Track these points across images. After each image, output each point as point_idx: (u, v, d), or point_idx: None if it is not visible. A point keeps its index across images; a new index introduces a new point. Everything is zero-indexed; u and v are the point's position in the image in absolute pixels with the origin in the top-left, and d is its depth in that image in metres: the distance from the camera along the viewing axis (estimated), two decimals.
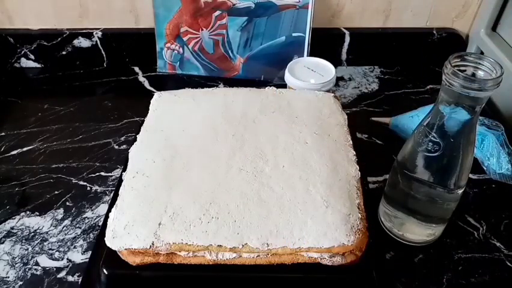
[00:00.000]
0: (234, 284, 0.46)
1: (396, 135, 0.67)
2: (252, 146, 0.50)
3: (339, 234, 0.42)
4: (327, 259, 0.43)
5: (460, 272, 0.51)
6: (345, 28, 0.84)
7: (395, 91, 0.81)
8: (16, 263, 0.52)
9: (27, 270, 0.51)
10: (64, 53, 0.84)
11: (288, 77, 0.65)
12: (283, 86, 0.67)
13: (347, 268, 0.44)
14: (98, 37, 0.83)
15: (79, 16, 0.82)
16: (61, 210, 0.58)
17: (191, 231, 0.42)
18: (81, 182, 0.62)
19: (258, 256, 0.43)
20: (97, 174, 0.63)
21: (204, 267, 0.44)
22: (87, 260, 0.50)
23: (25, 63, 0.85)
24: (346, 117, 0.56)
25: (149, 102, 0.57)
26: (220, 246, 0.41)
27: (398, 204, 0.51)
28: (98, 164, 0.65)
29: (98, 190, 0.61)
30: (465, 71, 0.40)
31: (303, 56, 0.77)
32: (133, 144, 0.52)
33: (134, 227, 0.43)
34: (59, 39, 0.83)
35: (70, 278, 0.50)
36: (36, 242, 0.54)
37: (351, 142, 0.52)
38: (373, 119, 0.71)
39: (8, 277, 0.50)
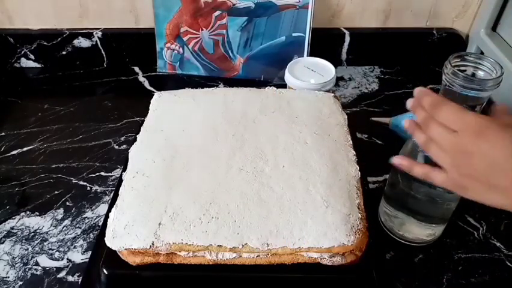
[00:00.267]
0: (234, 284, 0.46)
1: (396, 135, 0.67)
2: (252, 146, 0.50)
3: (339, 234, 0.42)
4: (327, 259, 0.43)
5: (460, 272, 0.51)
6: (345, 28, 0.84)
7: (395, 91, 0.81)
8: (16, 263, 0.52)
9: (27, 270, 0.51)
10: (63, 53, 0.84)
11: (288, 77, 0.65)
12: (283, 86, 0.67)
13: (347, 268, 0.44)
14: (98, 37, 0.83)
15: (79, 16, 0.82)
16: (61, 210, 0.58)
17: (191, 231, 0.42)
18: (81, 182, 0.62)
19: (258, 256, 0.43)
20: (97, 174, 0.63)
21: (204, 267, 0.44)
22: (87, 260, 0.50)
23: (25, 63, 0.85)
24: (346, 117, 0.56)
25: (149, 102, 0.57)
26: (220, 246, 0.41)
27: (398, 204, 0.51)
28: (98, 164, 0.65)
29: (98, 190, 0.61)
30: (465, 71, 0.40)
31: (303, 56, 0.77)
32: (133, 144, 0.52)
33: (134, 227, 0.43)
34: (59, 39, 0.83)
35: (70, 278, 0.50)
36: (36, 242, 0.54)
37: (351, 142, 0.52)
38: (373, 119, 0.71)
39: (8, 277, 0.50)
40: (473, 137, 0.35)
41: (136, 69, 0.85)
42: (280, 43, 0.79)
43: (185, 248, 0.42)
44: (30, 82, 0.83)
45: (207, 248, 0.42)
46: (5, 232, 0.55)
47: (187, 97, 0.58)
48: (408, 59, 0.86)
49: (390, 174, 0.51)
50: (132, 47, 0.84)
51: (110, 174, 0.63)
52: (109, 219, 0.45)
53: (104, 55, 0.85)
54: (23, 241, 0.54)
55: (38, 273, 0.51)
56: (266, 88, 0.60)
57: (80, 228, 0.56)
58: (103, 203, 0.59)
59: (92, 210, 0.58)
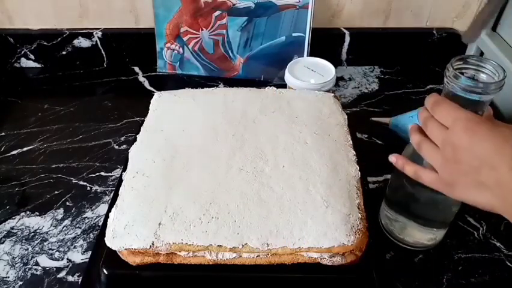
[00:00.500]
0: (234, 284, 0.46)
1: (396, 135, 0.67)
2: (252, 146, 0.50)
3: (339, 234, 0.42)
4: (327, 259, 0.43)
5: (460, 272, 0.51)
6: (345, 28, 0.84)
7: (395, 91, 0.81)
8: (16, 263, 0.52)
9: (27, 270, 0.51)
10: (63, 53, 0.84)
11: (288, 77, 0.65)
12: (283, 86, 0.67)
13: (347, 268, 0.44)
14: (98, 37, 0.83)
15: (79, 16, 0.82)
16: (61, 210, 0.58)
17: (191, 231, 0.42)
18: (81, 182, 0.62)
19: (258, 256, 0.43)
20: (97, 174, 0.63)
21: (204, 267, 0.44)
22: (87, 260, 0.50)
23: (25, 63, 0.85)
24: (346, 117, 0.56)
25: (149, 102, 0.58)
26: (220, 246, 0.41)
27: (400, 208, 0.50)
28: (98, 164, 0.65)
29: (98, 190, 0.61)
30: (467, 74, 0.39)
31: (303, 56, 0.77)
32: (133, 144, 0.52)
33: (134, 227, 0.43)
34: (59, 39, 0.83)
35: (70, 278, 0.50)
36: (36, 242, 0.54)
37: (351, 142, 0.52)
38: (373, 119, 0.71)
39: (8, 277, 0.50)
40: (462, 132, 0.35)
41: (136, 69, 0.85)
42: (280, 43, 0.79)
43: (185, 248, 0.42)
44: (30, 82, 0.83)
45: (207, 248, 0.42)
46: (5, 232, 0.55)
47: (187, 97, 0.58)
48: (408, 59, 0.86)
49: (392, 177, 0.51)
50: (132, 47, 0.84)
51: (110, 174, 0.63)
52: (109, 219, 0.45)
53: (104, 55, 0.85)
54: (23, 241, 0.54)
55: (38, 273, 0.51)
56: (266, 88, 0.60)
57: (80, 228, 0.56)
58: (103, 203, 0.59)
59: (92, 210, 0.58)
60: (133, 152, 0.51)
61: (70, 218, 0.57)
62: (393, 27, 0.84)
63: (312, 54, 0.77)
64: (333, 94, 0.60)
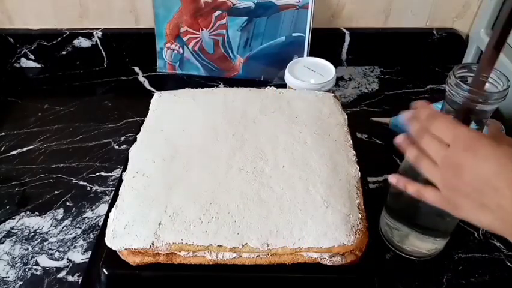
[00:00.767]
0: (234, 284, 0.46)
1: (396, 135, 0.67)
2: (252, 146, 0.50)
3: (339, 234, 0.42)
4: (327, 259, 0.43)
5: (460, 272, 0.51)
6: (345, 28, 0.84)
7: (395, 91, 0.81)
8: (16, 263, 0.52)
9: (27, 270, 0.51)
10: (63, 53, 0.84)
11: (288, 77, 0.65)
12: (283, 86, 0.67)
13: (347, 268, 0.44)
14: (98, 37, 0.83)
15: (79, 16, 0.82)
16: (61, 210, 0.58)
17: (191, 231, 0.42)
18: (81, 182, 0.62)
19: (258, 256, 0.43)
20: (97, 174, 0.63)
21: (204, 267, 0.44)
22: (87, 260, 0.50)
23: (25, 63, 0.85)
24: (346, 117, 0.56)
25: (149, 102, 0.58)
26: (220, 246, 0.41)
27: (400, 217, 0.50)
28: (98, 164, 0.65)
29: (98, 190, 0.61)
30: (469, 82, 0.38)
31: (303, 56, 0.77)
32: (133, 144, 0.52)
33: (134, 227, 0.43)
34: (59, 39, 0.83)
35: (70, 278, 0.50)
36: (36, 242, 0.54)
37: (351, 142, 0.52)
38: (373, 119, 0.71)
39: (8, 277, 0.50)
40: (463, 150, 0.34)
41: (136, 69, 0.85)
42: (280, 43, 0.79)
43: (185, 248, 0.42)
44: (30, 82, 0.83)
45: (207, 248, 0.42)
46: (5, 232, 0.55)
47: (187, 97, 0.58)
48: (408, 59, 0.86)
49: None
50: (132, 47, 0.84)
51: (110, 174, 0.63)
52: (109, 219, 0.45)
53: (104, 55, 0.85)
54: (23, 241, 0.54)
55: (38, 273, 0.51)
56: (266, 88, 0.60)
57: (80, 228, 0.56)
58: (103, 203, 0.59)
59: (92, 210, 0.58)
60: (133, 152, 0.51)
61: (70, 218, 0.57)
62: (393, 27, 0.84)
63: (312, 54, 0.77)
64: (333, 94, 0.60)
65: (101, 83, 0.83)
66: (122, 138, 0.70)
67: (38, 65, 0.86)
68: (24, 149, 0.68)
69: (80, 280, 0.49)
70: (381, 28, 0.85)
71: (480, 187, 0.33)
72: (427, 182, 0.44)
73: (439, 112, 0.37)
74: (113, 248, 0.43)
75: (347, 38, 0.84)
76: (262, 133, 0.52)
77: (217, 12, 0.78)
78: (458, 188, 0.34)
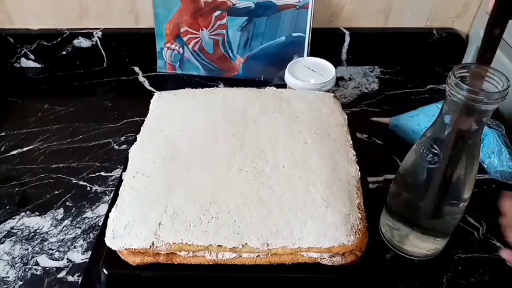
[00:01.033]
0: (234, 284, 0.46)
1: (396, 135, 0.67)
2: (252, 146, 0.50)
3: (339, 234, 0.42)
4: (327, 259, 0.43)
5: (460, 272, 0.51)
6: (345, 28, 0.84)
7: (395, 91, 0.81)
8: (16, 263, 0.52)
9: (27, 270, 0.51)
10: (63, 53, 0.84)
11: (288, 77, 0.65)
12: (283, 86, 0.67)
13: (347, 268, 0.44)
14: (98, 37, 0.83)
15: (79, 16, 0.82)
16: (61, 210, 0.58)
17: (191, 231, 0.42)
18: (81, 182, 0.62)
19: (258, 256, 0.43)
20: (97, 174, 0.63)
21: (204, 267, 0.44)
22: (87, 260, 0.50)
23: (25, 63, 0.85)
24: (346, 117, 0.56)
25: (149, 102, 0.58)
26: (220, 246, 0.41)
27: (400, 217, 0.50)
28: (98, 164, 0.65)
29: (98, 190, 0.61)
30: (469, 82, 0.38)
31: (303, 56, 0.77)
32: (133, 144, 0.52)
33: (134, 227, 0.43)
34: (59, 39, 0.83)
35: (70, 278, 0.50)
36: (36, 242, 0.54)
37: (351, 142, 0.52)
38: (373, 119, 0.71)
39: (8, 277, 0.50)
40: None
41: (136, 69, 0.85)
42: (280, 43, 0.79)
43: (185, 248, 0.42)
44: (30, 82, 0.83)
45: (207, 248, 0.42)
46: (5, 232, 0.55)
47: (187, 97, 0.58)
48: (408, 59, 0.86)
49: (393, 185, 0.50)
50: (132, 47, 0.84)
51: (110, 174, 0.63)
52: (109, 219, 0.45)
53: (104, 55, 0.85)
54: (23, 241, 0.54)
55: (38, 273, 0.51)
56: (266, 88, 0.60)
57: (80, 228, 0.56)
58: (103, 203, 0.59)
59: (92, 210, 0.58)
60: (133, 152, 0.51)
61: (70, 218, 0.57)
62: (393, 27, 0.84)
63: (312, 54, 0.77)
64: (333, 94, 0.60)
65: (101, 83, 0.83)
66: (122, 138, 0.70)
67: (38, 65, 0.86)
68: (24, 149, 0.68)
69: (80, 280, 0.49)
70: (381, 28, 0.85)
71: None
72: (427, 183, 0.44)
73: None
74: (113, 248, 0.43)
75: (347, 38, 0.84)
76: (262, 133, 0.52)
77: (217, 12, 0.78)
78: None
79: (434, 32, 0.84)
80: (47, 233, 0.55)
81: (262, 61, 0.80)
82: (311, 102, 0.57)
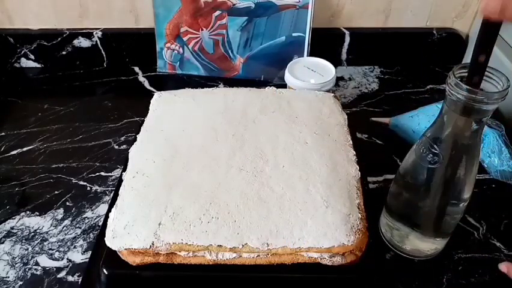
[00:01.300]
0: (234, 284, 0.46)
1: (396, 135, 0.67)
2: (252, 146, 0.50)
3: (339, 234, 0.42)
4: (327, 259, 0.43)
5: (460, 272, 0.51)
6: (345, 28, 0.84)
7: (395, 91, 0.81)
8: (16, 263, 0.52)
9: (27, 270, 0.51)
10: (64, 53, 0.84)
11: (288, 77, 0.65)
12: (283, 86, 0.67)
13: (347, 268, 0.44)
14: (98, 37, 0.83)
15: (79, 16, 0.82)
16: (61, 210, 0.58)
17: (191, 231, 0.42)
18: (81, 182, 0.62)
19: (258, 256, 0.43)
20: (97, 174, 0.63)
21: (204, 267, 0.44)
22: (87, 260, 0.50)
23: (25, 63, 0.85)
24: (346, 117, 0.56)
25: (149, 102, 0.58)
26: (220, 246, 0.41)
27: (400, 217, 0.50)
28: (98, 164, 0.65)
29: (98, 190, 0.61)
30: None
31: (303, 56, 0.77)
32: (133, 144, 0.52)
33: (134, 227, 0.43)
34: (59, 39, 0.83)
35: (70, 278, 0.50)
36: (36, 242, 0.54)
37: (351, 142, 0.52)
38: (373, 119, 0.71)
39: (8, 277, 0.50)
40: None
41: (136, 69, 0.85)
42: (280, 43, 0.79)
43: (185, 248, 0.42)
44: (30, 82, 0.83)
45: (207, 248, 0.42)
46: (5, 232, 0.55)
47: (187, 97, 0.58)
48: (408, 59, 0.86)
49: (393, 185, 0.50)
50: (132, 47, 0.84)
51: (110, 174, 0.63)
52: (109, 219, 0.45)
53: (104, 55, 0.85)
54: (23, 241, 0.54)
55: (38, 273, 0.51)
56: (266, 88, 0.60)
57: (80, 228, 0.56)
58: (103, 203, 0.59)
59: (92, 210, 0.58)
60: (133, 152, 0.51)
61: (70, 218, 0.57)
62: (393, 27, 0.84)
63: (312, 54, 0.77)
64: (333, 94, 0.60)
65: (101, 83, 0.83)
66: (122, 138, 0.70)
67: (38, 65, 0.86)
68: (24, 149, 0.68)
69: (80, 280, 0.49)
70: (381, 28, 0.85)
71: None
72: (427, 183, 0.44)
73: None
74: (113, 248, 0.43)
75: (347, 38, 0.84)
76: (262, 133, 0.52)
77: (217, 12, 0.78)
78: None
79: (434, 32, 0.84)
80: (47, 233, 0.55)
81: (262, 61, 0.80)
82: (311, 102, 0.57)
